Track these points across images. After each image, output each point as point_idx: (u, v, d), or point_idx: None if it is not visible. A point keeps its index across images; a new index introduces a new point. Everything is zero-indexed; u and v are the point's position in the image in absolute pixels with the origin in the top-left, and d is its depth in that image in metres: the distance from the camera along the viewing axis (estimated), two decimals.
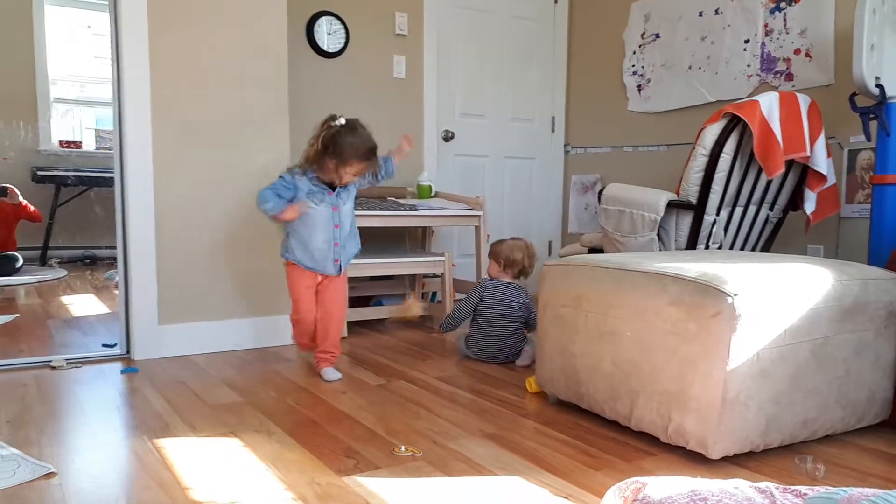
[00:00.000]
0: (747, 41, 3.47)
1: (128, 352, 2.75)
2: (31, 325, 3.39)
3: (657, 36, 3.94)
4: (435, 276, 3.70)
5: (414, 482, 1.61)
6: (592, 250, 3.15)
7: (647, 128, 4.04)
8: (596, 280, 2.03)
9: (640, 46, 4.04)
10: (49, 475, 1.61)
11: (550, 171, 4.60)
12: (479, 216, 3.59)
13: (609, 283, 1.98)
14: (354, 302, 3.39)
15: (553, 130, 4.57)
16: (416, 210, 3.41)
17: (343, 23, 3.71)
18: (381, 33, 3.87)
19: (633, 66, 4.09)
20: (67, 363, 2.60)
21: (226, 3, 2.84)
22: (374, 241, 3.75)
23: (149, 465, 1.69)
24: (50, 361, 2.60)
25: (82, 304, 3.98)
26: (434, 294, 3.91)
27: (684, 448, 1.76)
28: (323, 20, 3.65)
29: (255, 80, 2.91)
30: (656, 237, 2.78)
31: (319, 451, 1.79)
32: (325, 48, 3.67)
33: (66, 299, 4.11)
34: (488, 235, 3.69)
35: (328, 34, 3.68)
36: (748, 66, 3.47)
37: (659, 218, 2.73)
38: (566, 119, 4.59)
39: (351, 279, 3.21)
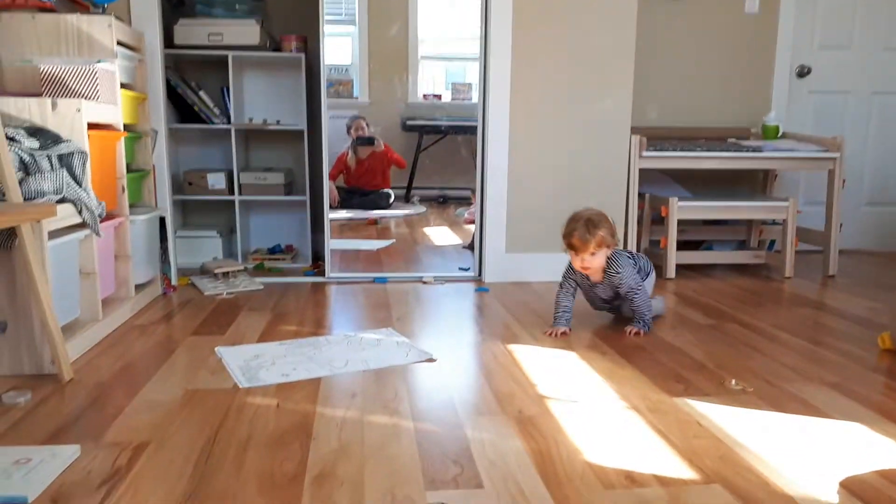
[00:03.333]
0: None
1: (479, 274, 3.19)
2: (404, 249, 4.08)
3: None
4: (775, 222, 3.50)
5: (745, 412, 1.65)
6: None
7: None
8: None
9: None
10: (430, 360, 2.03)
11: None
12: (834, 159, 3.27)
13: None
14: (682, 245, 3.39)
15: None
16: (761, 152, 3.24)
17: None
18: None
19: None
20: (435, 279, 3.13)
21: None
22: (709, 183, 3.68)
23: (503, 362, 2.02)
24: (422, 277, 3.15)
25: (439, 235, 4.63)
26: (772, 242, 3.69)
27: None
28: None
29: (603, 24, 3.03)
30: None
31: (649, 372, 1.93)
32: None
33: (426, 230, 4.82)
34: (843, 181, 3.35)
35: None
36: None
37: None
38: None
39: (681, 222, 3.23)
